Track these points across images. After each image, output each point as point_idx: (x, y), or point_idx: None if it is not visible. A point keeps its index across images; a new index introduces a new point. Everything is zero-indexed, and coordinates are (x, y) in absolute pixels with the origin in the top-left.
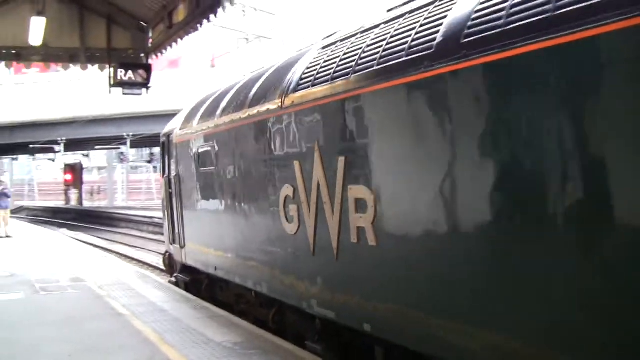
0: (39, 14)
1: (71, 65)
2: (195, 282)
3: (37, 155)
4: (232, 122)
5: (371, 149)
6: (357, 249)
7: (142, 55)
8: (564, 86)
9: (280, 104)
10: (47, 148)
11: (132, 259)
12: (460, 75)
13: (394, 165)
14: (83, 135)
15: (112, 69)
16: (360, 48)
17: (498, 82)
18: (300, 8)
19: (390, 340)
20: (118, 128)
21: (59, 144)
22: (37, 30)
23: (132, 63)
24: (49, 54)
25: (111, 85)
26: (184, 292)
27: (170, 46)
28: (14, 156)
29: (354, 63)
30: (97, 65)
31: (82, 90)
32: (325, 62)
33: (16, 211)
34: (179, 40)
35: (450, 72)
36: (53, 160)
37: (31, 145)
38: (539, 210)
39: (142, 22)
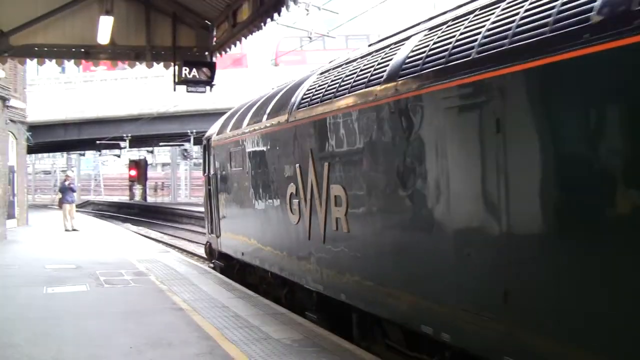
0: (107, 13)
1: (137, 63)
2: (229, 267)
3: (103, 151)
4: (254, 130)
5: (343, 156)
6: (336, 235)
7: (206, 53)
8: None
9: (287, 119)
10: (113, 144)
11: (194, 254)
12: (399, 103)
13: (356, 169)
14: (148, 132)
15: (176, 67)
16: (341, 77)
17: (419, 110)
18: (364, 8)
19: (355, 305)
20: (182, 125)
21: (124, 140)
22: (104, 29)
23: (196, 61)
24: (116, 52)
25: (176, 83)
26: (244, 288)
27: (234, 44)
28: (82, 152)
29: (335, 89)
30: (162, 63)
31: (147, 88)
32: (319, 86)
33: (82, 205)
34: (242, 38)
35: (393, 101)
36: (118, 156)
37: (98, 141)
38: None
39: (206, 21)
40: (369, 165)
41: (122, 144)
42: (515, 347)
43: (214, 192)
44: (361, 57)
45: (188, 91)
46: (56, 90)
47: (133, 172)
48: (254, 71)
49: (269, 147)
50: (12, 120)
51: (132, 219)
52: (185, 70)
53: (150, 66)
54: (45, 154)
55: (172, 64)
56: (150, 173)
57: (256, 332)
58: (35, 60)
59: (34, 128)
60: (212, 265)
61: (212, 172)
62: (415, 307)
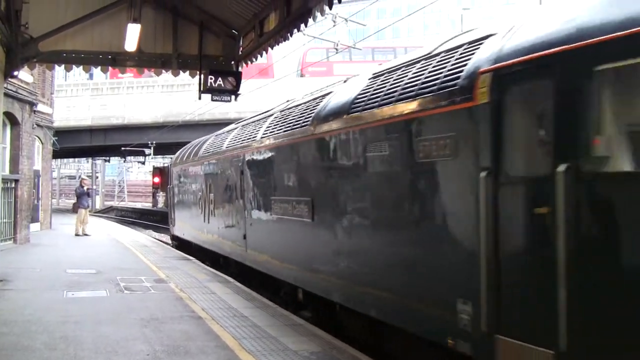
0: (135, 21)
1: (163, 70)
2: (182, 245)
3: (128, 158)
4: (186, 165)
5: (215, 177)
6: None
7: (232, 62)
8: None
9: (257, 144)
10: (137, 151)
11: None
12: (337, 137)
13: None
14: (172, 140)
15: (202, 76)
16: (297, 114)
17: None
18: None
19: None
20: (206, 133)
21: (149, 147)
22: (132, 36)
23: (222, 70)
24: (143, 60)
25: (201, 91)
26: (263, 298)
27: (260, 54)
28: (107, 157)
29: (292, 124)
30: (188, 72)
31: (173, 96)
32: (236, 135)
33: (106, 211)
34: (269, 48)
35: (303, 142)
36: (143, 163)
37: (123, 148)
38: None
39: (233, 30)
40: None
41: (147, 150)
42: (340, 291)
43: (171, 198)
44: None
45: (213, 100)
46: (83, 96)
47: (156, 179)
48: (280, 81)
49: (192, 174)
50: (39, 125)
51: (155, 226)
52: (211, 79)
53: (176, 74)
54: (71, 159)
55: (198, 72)
56: None
57: (274, 343)
58: (63, 66)
59: (60, 133)
60: (173, 243)
61: (170, 185)
62: (288, 271)
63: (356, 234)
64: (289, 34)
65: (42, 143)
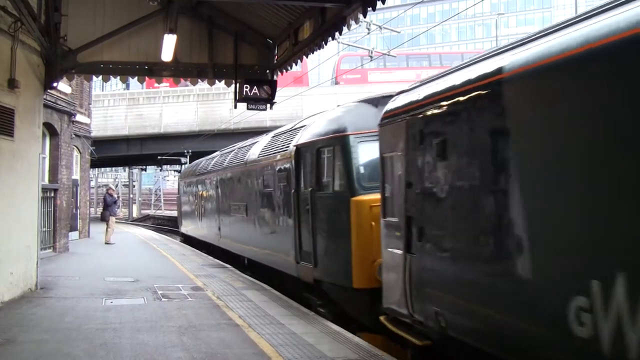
0: (171, 31)
1: (199, 80)
2: (186, 239)
3: (164, 166)
4: (190, 180)
5: (206, 192)
6: (207, 222)
7: (268, 71)
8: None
9: (223, 169)
10: (173, 159)
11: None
12: (254, 167)
13: (212, 197)
14: (208, 148)
15: (238, 85)
16: (240, 154)
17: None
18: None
19: (230, 250)
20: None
21: (185, 155)
22: (168, 46)
23: (257, 79)
24: (179, 69)
25: (237, 100)
26: (299, 305)
27: (295, 63)
28: (143, 166)
29: (238, 159)
30: (223, 81)
31: (208, 105)
32: (208, 162)
33: (142, 220)
34: (303, 56)
35: (240, 171)
36: (179, 172)
37: (159, 157)
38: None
39: (268, 39)
40: (220, 193)
41: (183, 159)
42: (250, 253)
43: (179, 205)
44: (229, 153)
45: (249, 108)
46: (120, 106)
47: None
48: (315, 89)
49: (190, 187)
50: (77, 135)
51: None
52: (246, 87)
53: (212, 83)
54: (108, 168)
55: (234, 81)
56: None
57: (311, 350)
58: (101, 77)
59: (97, 143)
60: (181, 238)
61: (178, 195)
62: (239, 248)
63: (258, 224)
64: (323, 42)
65: (80, 153)
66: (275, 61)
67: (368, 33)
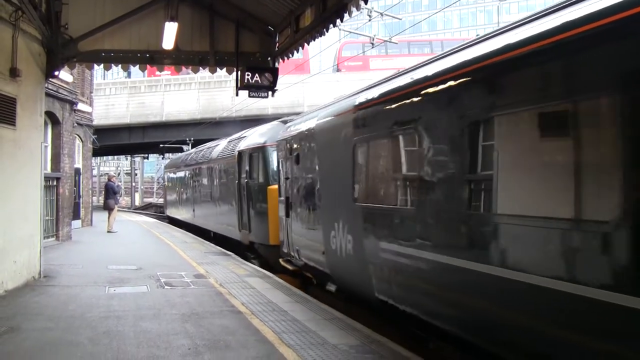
0: (172, 19)
1: (200, 68)
2: (171, 220)
3: (166, 155)
4: (174, 171)
5: (187, 182)
6: (186, 205)
7: (269, 59)
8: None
9: (195, 163)
10: (175, 147)
11: (253, 258)
12: (215, 164)
13: (196, 188)
14: (210, 136)
15: (239, 72)
16: (206, 152)
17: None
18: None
19: (208, 229)
20: (243, 129)
21: (187, 143)
22: (169, 34)
23: (258, 66)
24: (180, 57)
25: (238, 88)
26: (302, 293)
27: (297, 50)
28: (145, 154)
29: (204, 157)
30: (225, 69)
31: (210, 93)
32: (189, 155)
33: (145, 207)
34: (305, 44)
35: (207, 166)
36: None
37: (161, 145)
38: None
39: (269, 27)
40: (198, 185)
41: (185, 147)
42: (214, 228)
43: (164, 192)
44: (205, 149)
45: (250, 96)
46: (121, 94)
47: None
48: (316, 77)
49: (173, 177)
50: (79, 124)
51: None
52: (248, 75)
53: (213, 71)
54: (110, 157)
55: (235, 69)
56: None
57: (313, 337)
58: (102, 65)
59: (99, 131)
60: (166, 220)
61: (163, 184)
62: (208, 224)
63: (219, 206)
64: (324, 30)
65: (82, 141)
66: (276, 48)
67: (369, 20)
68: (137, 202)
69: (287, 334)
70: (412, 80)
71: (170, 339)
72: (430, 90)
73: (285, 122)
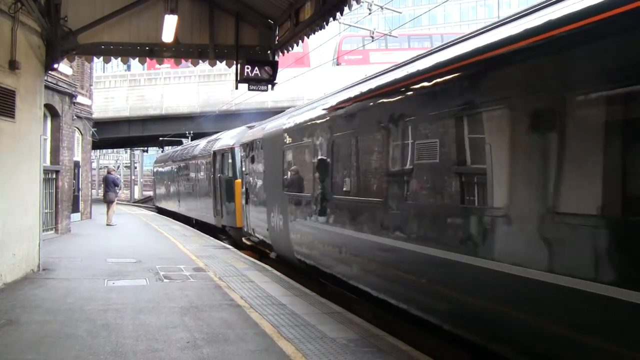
0: (172, 12)
1: (200, 61)
2: (160, 211)
3: (166, 148)
4: (162, 166)
5: (174, 178)
6: (173, 196)
7: (269, 52)
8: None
9: (180, 160)
10: (175, 140)
11: (253, 251)
12: (196, 160)
13: (181, 182)
14: (210, 129)
15: (239, 65)
16: (192, 149)
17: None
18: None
19: (191, 217)
20: (243, 123)
21: (186, 136)
22: (169, 27)
23: (258, 60)
24: (180, 50)
25: (238, 81)
26: (301, 286)
27: (296, 43)
28: (145, 148)
29: (190, 153)
30: (224, 62)
31: (210, 86)
32: (176, 152)
33: (145, 201)
34: (304, 37)
35: (189, 163)
36: None
37: (161, 138)
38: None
39: (269, 20)
40: (185, 179)
41: (184, 140)
42: (196, 216)
43: (154, 184)
44: (190, 146)
45: (250, 89)
46: (121, 87)
47: None
48: (316, 70)
49: (161, 171)
50: (78, 117)
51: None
52: (248, 68)
53: (213, 64)
54: (109, 150)
55: (235, 62)
56: None
57: (312, 330)
58: (102, 58)
59: (99, 124)
60: (155, 211)
61: (153, 177)
62: (193, 213)
63: (199, 197)
64: (324, 23)
65: (81, 134)
66: (276, 42)
67: (369, 13)
68: (137, 195)
69: (285, 328)
70: (308, 118)
71: (169, 332)
72: (312, 123)
73: (251, 127)
